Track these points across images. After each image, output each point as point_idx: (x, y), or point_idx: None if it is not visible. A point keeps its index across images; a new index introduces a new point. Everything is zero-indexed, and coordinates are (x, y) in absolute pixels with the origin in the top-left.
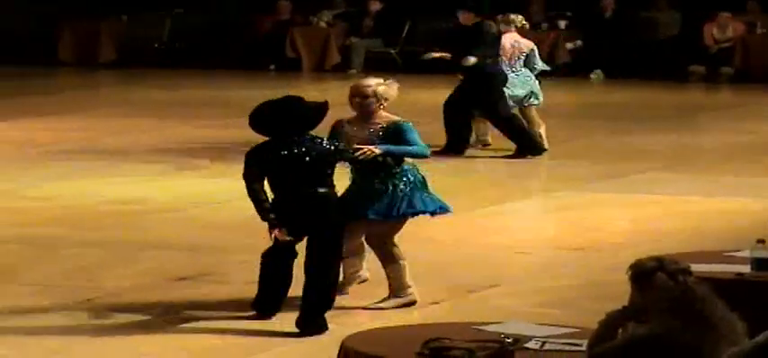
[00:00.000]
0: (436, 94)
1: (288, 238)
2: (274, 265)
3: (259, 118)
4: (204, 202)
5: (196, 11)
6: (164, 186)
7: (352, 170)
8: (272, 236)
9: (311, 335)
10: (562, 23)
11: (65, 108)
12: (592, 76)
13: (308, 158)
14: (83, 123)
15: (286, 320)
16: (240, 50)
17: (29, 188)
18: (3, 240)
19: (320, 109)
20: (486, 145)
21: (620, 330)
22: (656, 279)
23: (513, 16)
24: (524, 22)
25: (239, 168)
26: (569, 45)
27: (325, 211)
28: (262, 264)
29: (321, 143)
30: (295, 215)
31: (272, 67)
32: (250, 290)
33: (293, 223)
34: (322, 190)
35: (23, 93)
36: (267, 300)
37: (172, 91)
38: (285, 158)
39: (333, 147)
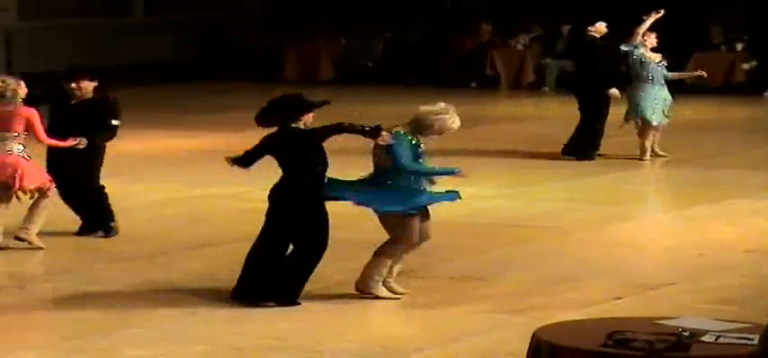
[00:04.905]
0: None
1: None
2: None
3: None
4: None
5: (405, 33)
6: None
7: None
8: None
9: None
10: (739, 45)
11: None
12: (766, 93)
13: None
14: None
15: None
16: (444, 69)
17: (257, 191)
18: (234, 239)
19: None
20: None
21: None
22: None
23: None
24: None
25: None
26: (745, 65)
27: None
28: None
29: None
30: None
31: (474, 84)
32: (453, 285)
33: None
34: None
35: (250, 107)
36: None
37: (380, 105)
38: None
39: None
